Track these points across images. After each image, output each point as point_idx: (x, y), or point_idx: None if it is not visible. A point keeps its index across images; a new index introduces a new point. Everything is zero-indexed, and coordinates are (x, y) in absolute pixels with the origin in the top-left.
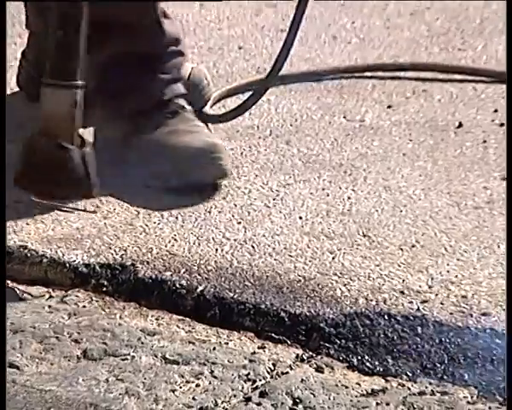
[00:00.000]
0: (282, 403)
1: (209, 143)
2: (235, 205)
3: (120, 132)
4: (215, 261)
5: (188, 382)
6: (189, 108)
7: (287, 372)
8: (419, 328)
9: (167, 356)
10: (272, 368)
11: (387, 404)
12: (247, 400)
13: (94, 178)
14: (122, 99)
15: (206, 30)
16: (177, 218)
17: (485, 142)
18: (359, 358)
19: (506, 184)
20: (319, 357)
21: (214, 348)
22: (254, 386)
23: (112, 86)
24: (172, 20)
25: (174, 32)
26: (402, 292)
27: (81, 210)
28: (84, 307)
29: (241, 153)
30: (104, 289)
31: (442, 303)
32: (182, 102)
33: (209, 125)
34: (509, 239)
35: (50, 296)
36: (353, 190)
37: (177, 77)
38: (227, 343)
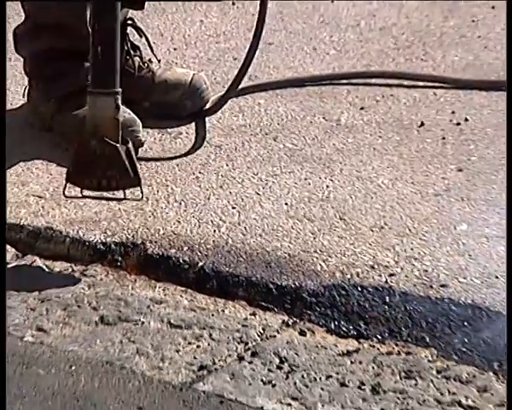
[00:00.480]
0: (271, 362)
1: (128, 118)
2: (230, 192)
3: (50, 111)
4: (213, 241)
5: (190, 343)
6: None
7: (274, 336)
8: (387, 297)
9: (172, 321)
10: (262, 332)
11: (360, 362)
12: (241, 359)
13: (138, 170)
14: (52, 84)
15: (205, 43)
16: (180, 203)
17: (443, 138)
18: (336, 323)
19: (506, 185)
20: (302, 322)
21: (212, 315)
22: (246, 347)
23: (44, 73)
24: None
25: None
26: (372, 267)
27: (129, 199)
28: (101, 279)
29: (235, 148)
30: (118, 264)
31: (407, 276)
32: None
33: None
34: (509, 239)
35: (72, 270)
36: (331, 180)
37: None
38: (223, 311)
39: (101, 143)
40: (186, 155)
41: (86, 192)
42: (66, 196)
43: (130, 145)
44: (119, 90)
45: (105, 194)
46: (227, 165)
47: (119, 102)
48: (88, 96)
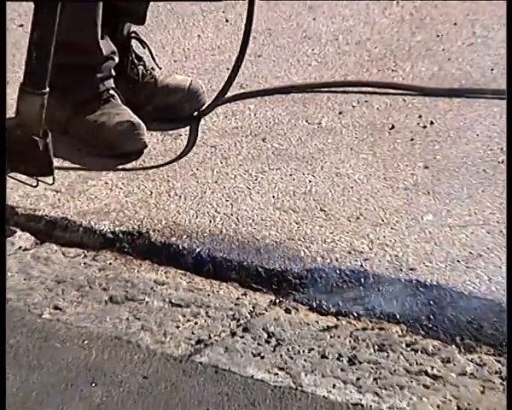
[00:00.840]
0: (260, 337)
1: (133, 121)
2: (224, 187)
3: (66, 116)
4: (209, 230)
5: (188, 320)
6: (117, 96)
7: (263, 313)
8: (362, 279)
9: (173, 301)
10: (252, 310)
11: (338, 337)
12: (233, 334)
13: (52, 161)
14: (67, 92)
15: (202, 55)
16: (180, 196)
17: (412, 140)
18: (317, 302)
19: (506, 185)
20: (287, 301)
21: (208, 295)
22: (238, 324)
23: (59, 84)
24: (107, 40)
25: (108, 48)
26: (349, 252)
27: (26, 183)
28: (111, 263)
29: (228, 148)
30: (125, 250)
31: (379, 261)
32: (112, 92)
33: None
34: (509, 239)
35: (85, 256)
36: (313, 176)
37: (109, 75)
38: (218, 291)
39: (25, 136)
40: (181, 157)
41: (12, 174)
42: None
43: (49, 139)
44: (47, 90)
45: (22, 177)
46: (221, 162)
47: (45, 101)
48: (19, 93)
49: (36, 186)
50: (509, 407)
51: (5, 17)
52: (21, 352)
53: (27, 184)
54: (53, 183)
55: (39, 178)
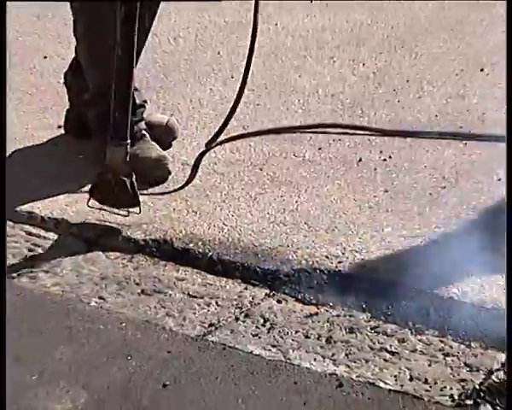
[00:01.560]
0: (257, 321)
1: (160, 155)
2: (230, 205)
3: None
4: (218, 238)
5: (202, 308)
6: (147, 134)
7: (259, 303)
8: (336, 278)
9: (190, 293)
10: (251, 301)
11: (318, 322)
12: (237, 319)
13: (138, 195)
14: (104, 131)
15: (213, 104)
16: (196, 213)
17: (375, 169)
18: (302, 295)
19: (506, 187)
20: (279, 294)
21: (218, 289)
22: (241, 311)
23: (105, 125)
24: (140, 91)
25: (140, 98)
26: (327, 257)
27: (124, 215)
28: (142, 264)
29: (234, 175)
30: (154, 254)
31: (350, 263)
32: (144, 132)
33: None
34: (509, 240)
35: (123, 258)
36: (298, 197)
37: (141, 118)
38: (225, 286)
39: (115, 178)
40: (189, 182)
41: (103, 206)
42: (88, 206)
43: (133, 179)
44: (129, 141)
45: (115, 210)
46: (228, 187)
47: (128, 150)
48: (108, 146)
49: (127, 216)
50: (509, 406)
51: (5, 17)
52: (73, 332)
53: (120, 214)
54: (139, 212)
55: (129, 209)
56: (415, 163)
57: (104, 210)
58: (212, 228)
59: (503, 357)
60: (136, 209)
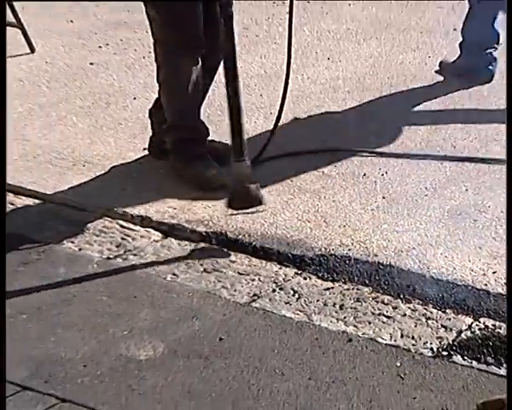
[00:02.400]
0: (289, 293)
1: (218, 170)
2: (269, 207)
3: (181, 166)
4: (261, 231)
5: (248, 283)
6: (209, 155)
7: (290, 279)
8: (347, 261)
9: (240, 271)
10: (284, 277)
11: (333, 293)
12: (273, 291)
13: (261, 197)
14: (182, 153)
15: (257, 133)
16: (248, 214)
17: (375, 182)
18: (321, 273)
19: (506, 188)
20: (305, 273)
21: (260, 269)
22: (277, 285)
23: (178, 149)
24: (202, 121)
25: (204, 126)
26: (340, 245)
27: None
28: (204, 250)
29: (272, 184)
30: (212, 242)
31: (357, 251)
32: (208, 153)
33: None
34: (509, 239)
35: (190, 245)
36: (319, 202)
37: (204, 142)
38: (265, 266)
39: (245, 185)
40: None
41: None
42: (233, 210)
43: (258, 184)
44: (247, 157)
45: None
46: (267, 193)
47: (250, 164)
48: (232, 163)
49: (252, 213)
50: (510, 406)
51: (5, 18)
52: (154, 299)
53: (247, 213)
54: (263, 210)
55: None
56: (405, 177)
57: (239, 213)
58: (255, 224)
59: (469, 320)
60: (260, 207)
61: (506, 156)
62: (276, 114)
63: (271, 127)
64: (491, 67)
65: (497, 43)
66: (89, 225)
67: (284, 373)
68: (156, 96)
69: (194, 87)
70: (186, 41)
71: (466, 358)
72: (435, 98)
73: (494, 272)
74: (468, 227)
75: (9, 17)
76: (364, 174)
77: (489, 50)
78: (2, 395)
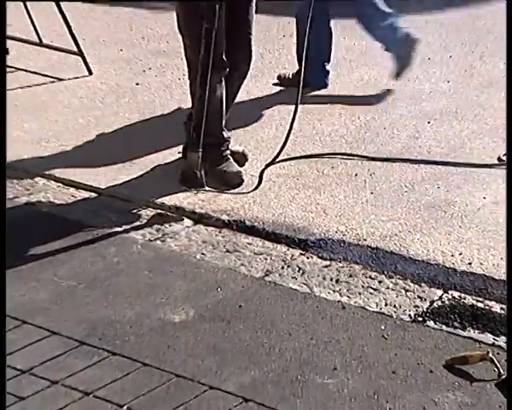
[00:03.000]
0: (294, 269)
1: (238, 170)
2: (279, 201)
3: (206, 167)
4: (272, 220)
5: (262, 261)
6: (231, 158)
7: (296, 258)
8: (341, 244)
9: (255, 252)
10: (291, 257)
11: (331, 270)
12: (282, 268)
13: (203, 181)
14: (208, 156)
15: (270, 143)
16: (258, 204)
17: (365, 181)
18: (321, 254)
19: (506, 186)
20: (308, 253)
21: (271, 250)
22: (284, 263)
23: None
24: (226, 131)
25: (227, 135)
26: (336, 232)
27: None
28: (227, 234)
29: (281, 182)
30: (234, 228)
31: (350, 236)
32: (229, 156)
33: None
34: (509, 237)
35: (215, 230)
36: (320, 196)
37: (227, 147)
38: (275, 248)
39: (192, 170)
40: (255, 189)
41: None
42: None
43: (203, 172)
44: (201, 149)
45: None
46: (277, 189)
47: (200, 154)
48: (188, 151)
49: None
50: (510, 406)
51: (5, 18)
52: (186, 273)
53: (216, 191)
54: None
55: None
56: (389, 177)
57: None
58: (267, 213)
59: (440, 292)
60: (203, 189)
61: (506, 157)
62: (288, 128)
63: (282, 136)
64: (326, 79)
65: (329, 60)
66: (134, 213)
67: (291, 334)
68: (189, 110)
69: (219, 100)
70: (213, 63)
71: (437, 323)
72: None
73: (460, 254)
74: (440, 217)
75: (72, 46)
76: (356, 174)
77: (323, 64)
78: (2, 394)
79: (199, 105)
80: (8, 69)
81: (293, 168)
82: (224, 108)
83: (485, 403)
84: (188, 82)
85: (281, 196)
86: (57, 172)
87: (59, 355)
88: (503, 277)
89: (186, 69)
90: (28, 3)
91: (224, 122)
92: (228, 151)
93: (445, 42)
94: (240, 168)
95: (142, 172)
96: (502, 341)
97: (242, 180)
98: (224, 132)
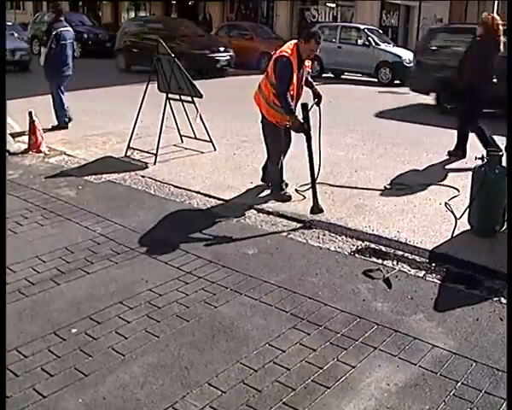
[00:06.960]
0: (299, 233)
1: (289, 193)
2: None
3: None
4: (291, 211)
5: (284, 226)
6: (285, 187)
7: (300, 229)
8: (336, 228)
9: (272, 223)
10: (298, 227)
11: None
12: (294, 231)
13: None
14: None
15: (301, 172)
16: (300, 209)
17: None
18: (311, 226)
19: (507, 187)
20: (312, 230)
21: (284, 226)
22: (295, 230)
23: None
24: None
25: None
26: (338, 219)
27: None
28: (287, 221)
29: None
30: (289, 218)
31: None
32: (284, 186)
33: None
34: (510, 238)
35: (283, 221)
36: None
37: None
38: (291, 223)
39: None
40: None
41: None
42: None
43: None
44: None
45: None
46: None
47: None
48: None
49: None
50: (510, 406)
51: (5, 19)
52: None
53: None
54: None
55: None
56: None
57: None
58: (289, 208)
59: (361, 243)
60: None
61: (506, 157)
62: (317, 169)
63: (310, 171)
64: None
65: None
66: (241, 213)
67: (309, 269)
68: (263, 166)
69: (281, 163)
70: (280, 150)
71: (359, 255)
72: None
73: (370, 226)
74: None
75: (206, 137)
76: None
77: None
78: (2, 394)
79: (276, 168)
80: (183, 149)
81: (318, 191)
82: (283, 169)
83: (382, 289)
84: (256, 155)
85: (310, 201)
86: (212, 192)
87: None
88: (395, 238)
89: (255, 149)
90: (197, 120)
91: (283, 172)
92: (284, 184)
93: None
94: (289, 191)
95: (237, 194)
96: (389, 263)
97: (290, 197)
98: (282, 176)
